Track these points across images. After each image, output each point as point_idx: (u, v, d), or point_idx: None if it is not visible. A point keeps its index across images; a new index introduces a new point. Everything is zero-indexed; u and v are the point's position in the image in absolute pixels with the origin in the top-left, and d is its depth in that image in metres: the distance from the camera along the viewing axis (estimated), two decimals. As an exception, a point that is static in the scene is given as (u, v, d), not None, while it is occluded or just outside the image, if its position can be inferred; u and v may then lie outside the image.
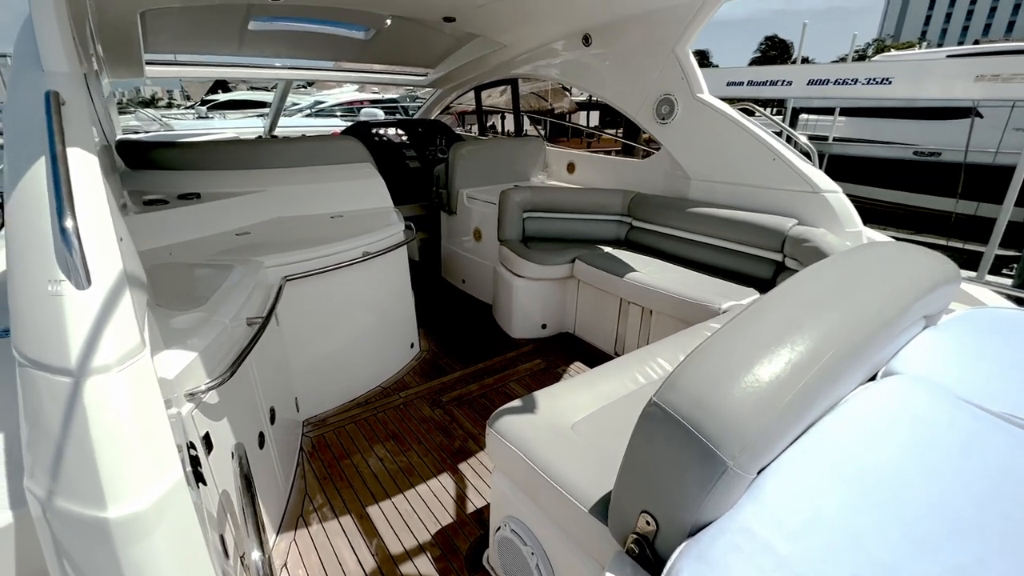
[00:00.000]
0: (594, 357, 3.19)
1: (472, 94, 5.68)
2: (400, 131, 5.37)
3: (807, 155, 2.92)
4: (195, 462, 1.10)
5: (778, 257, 2.78)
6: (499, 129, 14.46)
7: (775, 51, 48.71)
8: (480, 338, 3.45)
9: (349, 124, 5.89)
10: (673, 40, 3.19)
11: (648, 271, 2.97)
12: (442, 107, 6.11)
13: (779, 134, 3.25)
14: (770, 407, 0.88)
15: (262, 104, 13.70)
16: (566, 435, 1.52)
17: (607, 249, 3.37)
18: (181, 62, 4.09)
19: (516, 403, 1.64)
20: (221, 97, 15.52)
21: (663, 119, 3.38)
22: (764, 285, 2.75)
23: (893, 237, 2.84)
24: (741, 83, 10.85)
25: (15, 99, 1.23)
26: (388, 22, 3.77)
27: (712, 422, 0.87)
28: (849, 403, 1.09)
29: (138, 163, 3.08)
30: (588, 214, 3.61)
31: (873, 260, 1.30)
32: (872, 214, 2.83)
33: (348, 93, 14.77)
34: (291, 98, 14.94)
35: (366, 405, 2.69)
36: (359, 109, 11.98)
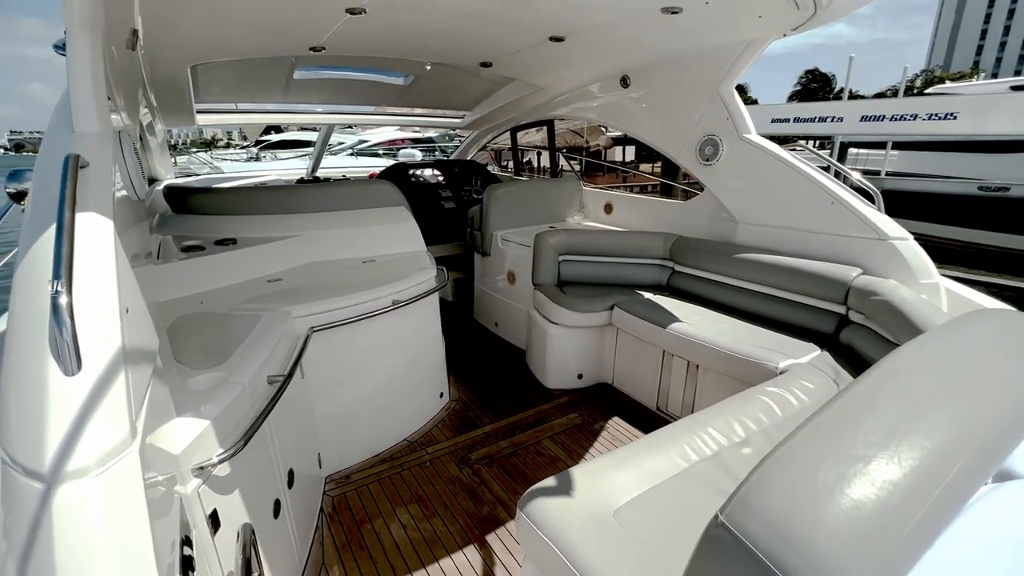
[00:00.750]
0: (635, 412, 2.97)
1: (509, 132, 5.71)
2: (436, 172, 5.41)
3: (869, 197, 2.69)
4: (187, 564, 0.99)
5: (840, 309, 2.52)
6: (535, 165, 14.61)
7: (816, 84, 48.01)
8: (512, 387, 3.29)
9: (390, 164, 6.01)
10: (716, 80, 3.07)
11: (693, 320, 2.76)
12: (479, 147, 6.16)
13: (826, 169, 3.04)
14: (877, 546, 0.69)
15: (311, 144, 14.43)
16: (607, 525, 1.33)
17: (648, 295, 3.19)
18: (229, 110, 4.27)
19: (550, 482, 1.46)
20: (274, 138, 16.48)
21: (707, 160, 3.22)
22: (825, 340, 2.49)
23: (961, 279, 2.55)
24: (787, 120, 10.56)
25: (41, 163, 1.21)
26: (428, 67, 3.83)
27: (799, 560, 0.68)
28: (970, 520, 0.87)
29: (182, 208, 3.15)
30: (627, 258, 3.45)
31: (989, 336, 1.08)
32: (934, 252, 2.57)
33: (390, 132, 15.39)
34: (337, 137, 15.71)
35: (391, 461, 2.55)
36: (399, 149, 12.37)
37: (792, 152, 3.00)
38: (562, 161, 9.51)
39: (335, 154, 12.73)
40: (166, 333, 1.84)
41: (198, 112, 4.05)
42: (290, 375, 1.80)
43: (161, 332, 1.79)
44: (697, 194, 3.59)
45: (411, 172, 5.28)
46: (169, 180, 4.69)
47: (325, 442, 2.38)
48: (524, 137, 6.00)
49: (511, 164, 6.18)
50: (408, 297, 2.54)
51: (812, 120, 10.15)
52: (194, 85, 3.37)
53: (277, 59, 3.52)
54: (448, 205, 4.84)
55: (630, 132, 3.83)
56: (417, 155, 10.88)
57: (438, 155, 11.32)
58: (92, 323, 0.91)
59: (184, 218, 3.11)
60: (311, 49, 3.01)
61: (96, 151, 1.26)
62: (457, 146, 6.48)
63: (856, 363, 2.28)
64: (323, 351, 2.27)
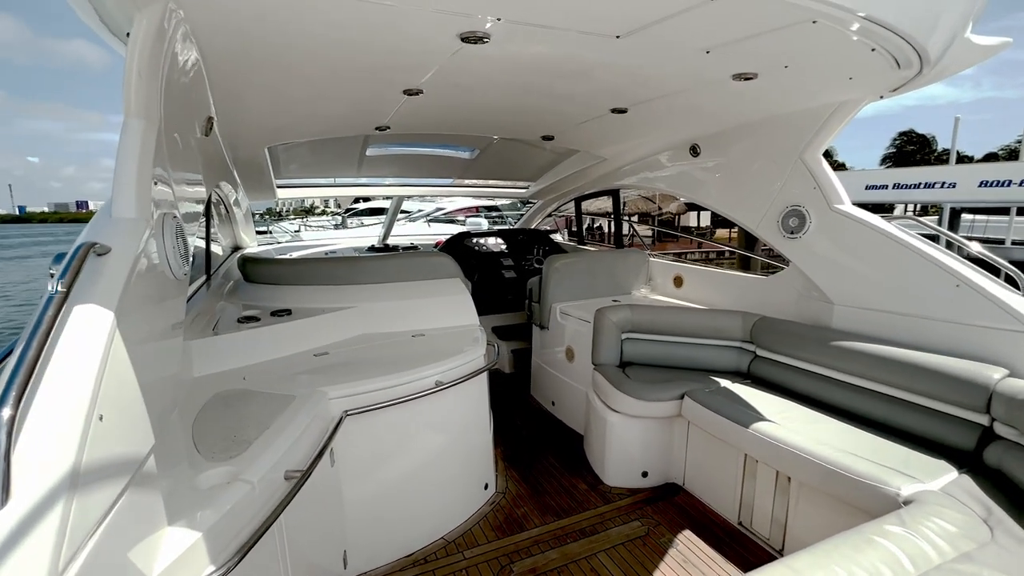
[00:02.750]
0: (711, 526, 2.49)
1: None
2: (500, 240, 5.39)
3: (1011, 281, 2.20)
4: None
5: (982, 419, 2.00)
6: (605, 231, 14.49)
7: (912, 146, 44.98)
8: (567, 481, 2.93)
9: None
10: (800, 147, 2.78)
11: (783, 420, 2.32)
12: (544, 215, 6.13)
13: (934, 238, 2.57)
14: None
15: (402, 211, 15.57)
16: None
17: (724, 383, 2.78)
18: (307, 184, 4.56)
19: None
20: (361, 206, 18.01)
21: (791, 233, 2.87)
22: (963, 458, 1.96)
23: None
24: (884, 187, 9.68)
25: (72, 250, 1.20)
26: (495, 140, 3.88)
27: None
28: None
29: (250, 276, 3.27)
30: (700, 338, 3.08)
31: None
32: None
33: (465, 201, 16.18)
34: (417, 205, 16.79)
35: (424, 565, 2.27)
36: (468, 217, 12.83)
37: (894, 222, 2.59)
38: (628, 228, 9.31)
39: (414, 221, 13.43)
40: (193, 416, 1.77)
41: (278, 187, 4.35)
42: (310, 469, 1.64)
43: (183, 419, 1.72)
44: (781, 268, 3.20)
45: (474, 241, 5.30)
46: (250, 249, 5.03)
47: (353, 538, 2.16)
48: (593, 203, 5.90)
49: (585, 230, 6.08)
50: (454, 378, 2.36)
51: (916, 186, 9.21)
52: (273, 164, 3.62)
53: (350, 138, 3.73)
54: (509, 275, 4.74)
55: (703, 203, 3.58)
56: (483, 224, 11.18)
57: (504, 223, 11.53)
58: (40, 439, 0.79)
59: (251, 287, 3.21)
60: (376, 128, 3.13)
61: (124, 236, 1.24)
62: (523, 214, 6.52)
63: (1013, 494, 1.75)
64: (358, 434, 2.12)
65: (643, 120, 3.12)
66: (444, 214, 14.38)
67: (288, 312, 2.79)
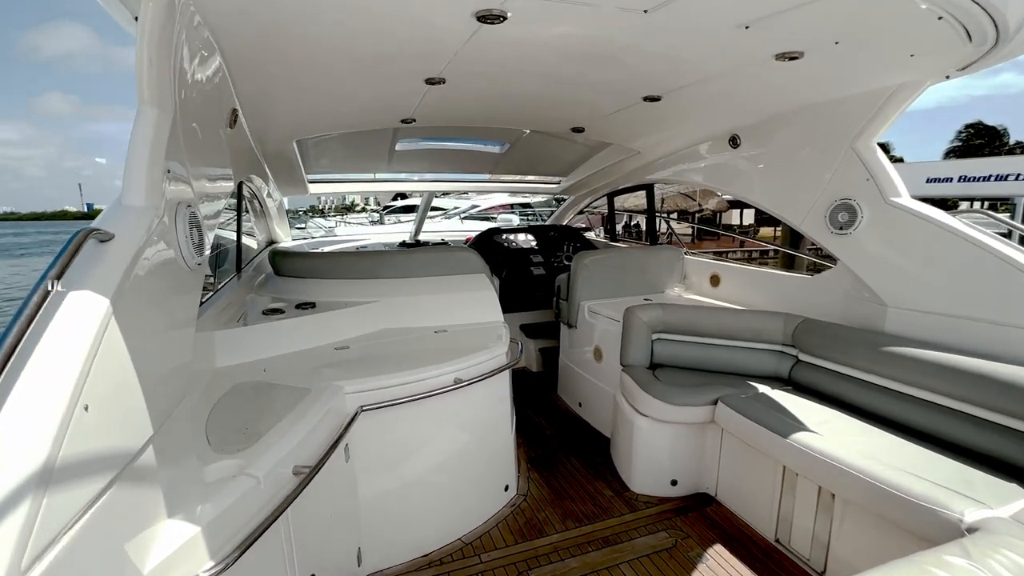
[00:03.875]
0: (744, 541, 2.33)
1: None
2: (530, 236, 5.30)
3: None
4: None
5: (1062, 439, 1.76)
6: (642, 228, 14.17)
7: (980, 139, 41.85)
8: (591, 486, 2.81)
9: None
10: (851, 135, 2.56)
11: (827, 431, 2.13)
12: (575, 211, 5.99)
13: (1006, 236, 2.30)
14: None
15: (437, 209, 15.72)
16: None
17: (762, 388, 2.60)
18: (338, 179, 4.59)
19: None
20: (399, 203, 18.23)
21: (840, 229, 2.65)
22: None
23: None
24: (948, 179, 8.91)
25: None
26: (526, 133, 3.79)
27: None
28: None
29: (280, 270, 3.31)
30: (737, 340, 2.90)
31: None
32: None
33: (500, 198, 16.15)
34: (453, 202, 16.93)
35: (439, 566, 2.21)
36: (498, 216, 12.77)
37: (960, 216, 2.34)
38: (664, 226, 9.01)
39: (449, 218, 13.53)
40: (210, 408, 1.77)
41: (310, 182, 4.41)
42: (320, 464, 1.60)
43: (198, 410, 1.72)
44: (828, 268, 2.97)
45: (504, 237, 5.23)
46: (285, 243, 5.13)
47: (368, 535, 2.13)
48: (628, 200, 5.72)
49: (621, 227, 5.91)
50: (475, 375, 2.29)
51: (986, 179, 8.44)
52: (303, 158, 3.65)
53: (379, 132, 3.72)
54: (538, 272, 4.65)
55: (743, 197, 3.37)
56: (514, 220, 11.09)
57: (540, 220, 11.37)
58: (13, 429, 0.76)
59: (280, 280, 3.25)
60: (402, 121, 3.09)
61: (130, 223, 1.22)
62: (554, 211, 6.40)
63: None
64: (374, 430, 2.08)
65: (678, 109, 2.95)
66: (479, 211, 14.41)
67: (312, 305, 2.79)
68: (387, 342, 2.61)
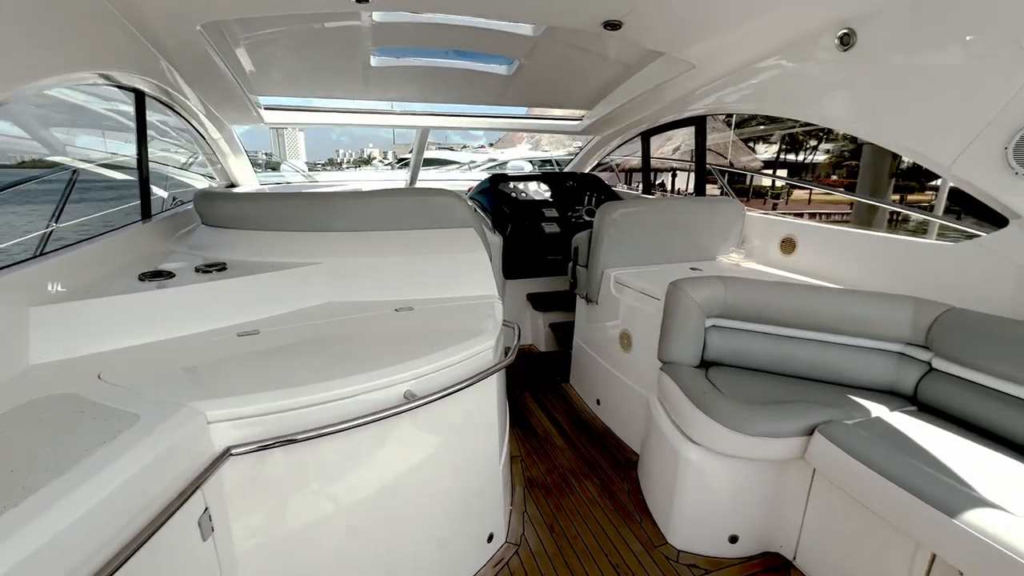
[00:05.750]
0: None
1: (638, 144, 4.43)
2: (543, 186, 4.34)
3: None
4: None
5: None
6: (668, 189, 12.89)
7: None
8: (613, 532, 2.01)
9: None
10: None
11: (999, 491, 1.26)
12: (600, 157, 4.98)
13: None
14: None
15: (454, 163, 14.64)
16: None
17: (877, 411, 1.73)
18: (302, 107, 3.66)
19: None
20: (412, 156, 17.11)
21: (1036, 168, 1.67)
22: None
23: None
24: None
25: None
26: (538, 39, 2.79)
27: None
28: None
29: (206, 217, 2.45)
30: (835, 334, 1.99)
31: None
32: None
33: (522, 151, 14.90)
34: (469, 155, 15.81)
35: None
36: (508, 162, 11.63)
37: None
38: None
39: (464, 172, 12.49)
40: None
41: (266, 109, 3.48)
42: (141, 543, 0.83)
43: None
44: (980, 235, 2.00)
45: (511, 185, 4.27)
46: (245, 188, 4.26)
47: None
48: (662, 147, 4.66)
49: (641, 187, 4.87)
50: (442, 385, 1.45)
51: None
52: (233, 66, 2.71)
53: (345, 43, 2.76)
54: (550, 228, 3.72)
55: (851, 130, 2.36)
56: (526, 167, 9.97)
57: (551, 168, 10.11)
58: None
59: (207, 232, 2.41)
60: (356, -1, 2.12)
61: None
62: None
63: None
64: (260, 483, 1.27)
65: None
66: (498, 164, 13.27)
67: (221, 267, 1.94)
68: (318, 324, 1.77)
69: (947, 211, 2.70)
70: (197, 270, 1.91)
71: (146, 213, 2.50)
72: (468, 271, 2.15)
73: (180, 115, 3.06)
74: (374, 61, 3.21)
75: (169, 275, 1.83)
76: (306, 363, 1.44)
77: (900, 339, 1.89)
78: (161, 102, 2.71)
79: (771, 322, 2.07)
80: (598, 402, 2.89)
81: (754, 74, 2.77)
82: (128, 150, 3.94)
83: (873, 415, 1.74)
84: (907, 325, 1.86)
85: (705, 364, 2.15)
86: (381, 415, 1.30)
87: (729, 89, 3.01)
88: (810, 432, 1.66)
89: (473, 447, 1.71)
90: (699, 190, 3.74)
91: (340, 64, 3.14)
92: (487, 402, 1.71)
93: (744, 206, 2.99)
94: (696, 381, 1.93)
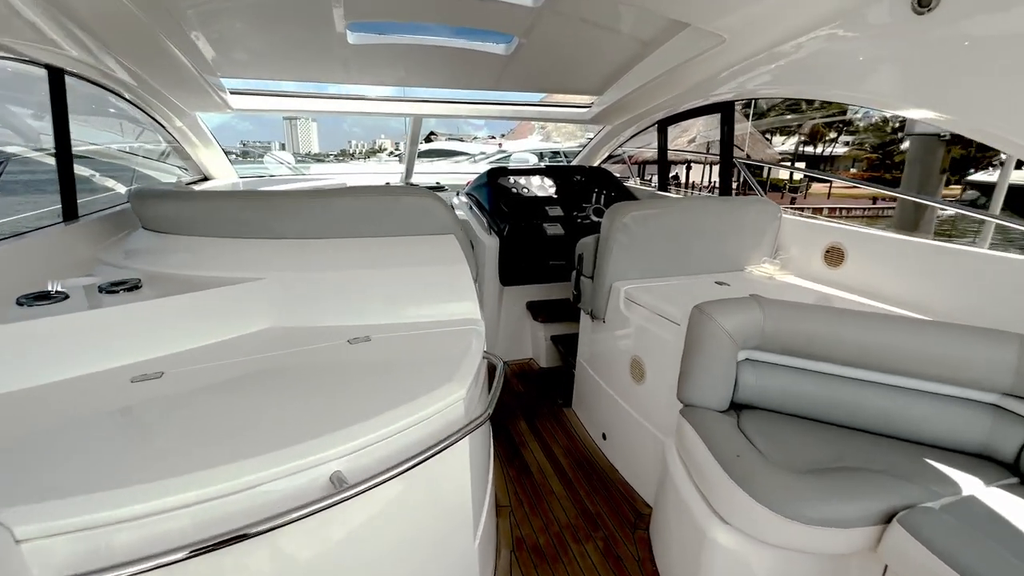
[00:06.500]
0: None
1: (652, 135, 3.98)
2: (548, 180, 3.90)
3: None
4: None
5: None
6: (683, 183, 12.30)
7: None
8: None
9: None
10: None
11: None
12: (611, 149, 4.53)
13: None
14: None
15: (461, 153, 14.22)
16: None
17: (969, 485, 1.31)
18: (272, 92, 3.26)
19: None
20: (422, 147, 16.78)
21: None
22: None
23: None
24: None
25: None
26: (537, 5, 2.36)
27: None
28: None
29: (144, 220, 2.07)
30: (907, 376, 1.56)
31: None
32: None
33: (532, 142, 14.42)
34: (479, 146, 15.37)
35: None
36: (512, 154, 11.16)
37: None
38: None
39: (475, 163, 12.08)
40: None
41: (231, 93, 3.09)
42: None
43: None
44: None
45: (512, 180, 3.85)
46: (218, 181, 3.89)
47: None
48: (680, 137, 4.20)
49: (655, 180, 4.40)
50: (380, 466, 1.05)
51: None
52: (179, 41, 2.31)
53: (315, 14, 2.36)
54: (553, 230, 3.30)
55: (925, 114, 1.90)
56: (531, 159, 9.49)
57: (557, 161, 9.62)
58: None
59: (144, 236, 2.03)
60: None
61: None
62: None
63: None
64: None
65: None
66: (506, 157, 12.81)
67: (134, 286, 1.56)
68: (243, 363, 1.38)
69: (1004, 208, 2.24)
70: (101, 290, 1.53)
71: (70, 214, 2.12)
72: (445, 288, 1.75)
73: (128, 100, 2.67)
74: (352, 38, 2.79)
75: (61, 297, 1.46)
76: (201, 430, 1.05)
77: (998, 388, 1.45)
78: (94, 83, 2.32)
79: (824, 358, 1.64)
80: (604, 436, 2.48)
81: (795, 50, 2.31)
82: (103, 139, 3.59)
83: (964, 492, 1.31)
84: (1008, 370, 1.42)
85: (736, 406, 1.74)
86: (291, 516, 0.91)
87: (761, 69, 2.55)
88: (886, 520, 1.24)
89: (436, 533, 1.31)
90: (725, 187, 3.28)
91: (312, 41, 2.74)
92: (455, 471, 1.31)
93: (781, 210, 2.54)
94: (727, 436, 1.51)
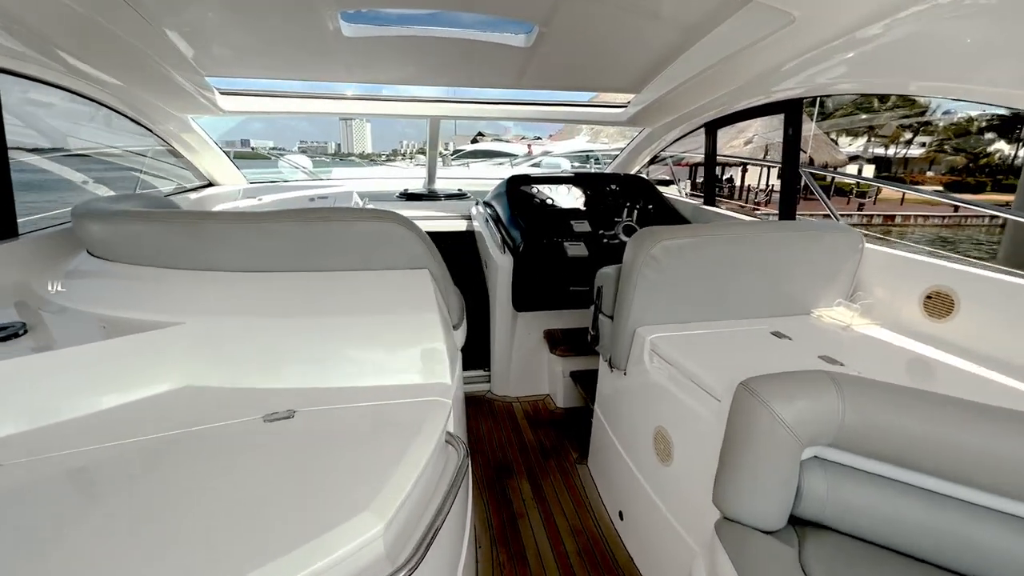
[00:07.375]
0: None
1: (697, 139, 3.44)
2: (576, 190, 3.45)
3: None
4: None
5: None
6: (737, 189, 11.35)
7: None
8: None
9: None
10: None
11: None
12: (651, 155, 4.00)
13: None
14: None
15: (507, 155, 13.93)
16: None
17: None
18: (265, 92, 2.98)
19: None
20: (467, 147, 16.68)
21: None
22: None
23: None
24: None
25: None
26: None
27: None
28: None
29: (89, 245, 1.80)
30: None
31: None
32: None
33: (578, 143, 13.87)
34: (523, 147, 14.99)
35: None
36: (538, 158, 10.63)
37: None
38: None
39: (515, 165, 11.72)
40: None
41: (221, 94, 2.83)
42: None
43: None
44: None
45: (535, 189, 3.42)
46: (217, 188, 3.67)
47: None
48: (732, 141, 3.61)
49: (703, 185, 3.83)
50: None
51: None
52: (149, 39, 2.03)
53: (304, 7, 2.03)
54: (575, 250, 2.84)
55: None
56: (563, 165, 8.93)
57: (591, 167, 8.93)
58: None
59: (80, 262, 1.76)
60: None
61: None
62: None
63: None
64: None
65: None
66: (553, 156, 12.33)
67: (16, 333, 1.25)
68: (115, 450, 1.04)
69: None
70: None
71: (8, 231, 1.87)
72: (404, 343, 1.35)
73: (104, 105, 2.44)
74: (347, 30, 2.45)
75: None
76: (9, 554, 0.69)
77: None
78: (51, 84, 2.08)
79: (934, 472, 1.12)
80: (621, 516, 2.00)
81: (883, 32, 1.75)
82: (115, 141, 3.46)
83: None
84: None
85: (796, 521, 1.24)
86: None
87: (837, 58, 2.00)
88: None
89: None
90: (787, 203, 2.70)
91: (302, 33, 2.41)
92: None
93: (863, 236, 1.97)
94: (783, 553, 1.03)
